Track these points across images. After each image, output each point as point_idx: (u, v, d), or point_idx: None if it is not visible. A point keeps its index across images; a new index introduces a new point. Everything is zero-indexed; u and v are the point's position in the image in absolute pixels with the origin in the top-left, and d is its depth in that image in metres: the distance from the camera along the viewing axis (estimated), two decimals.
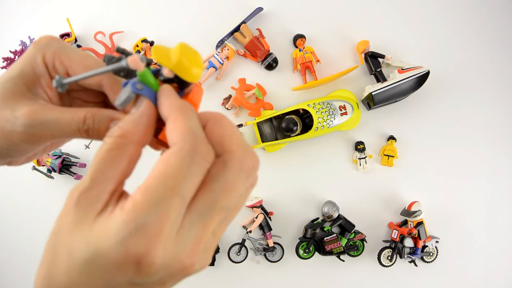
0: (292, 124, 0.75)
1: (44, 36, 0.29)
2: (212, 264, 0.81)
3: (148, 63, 0.25)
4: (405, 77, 0.75)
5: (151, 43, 0.82)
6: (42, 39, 0.28)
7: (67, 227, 0.21)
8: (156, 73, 0.25)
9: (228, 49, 0.80)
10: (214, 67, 0.81)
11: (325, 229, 0.77)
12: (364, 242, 0.80)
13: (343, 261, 0.80)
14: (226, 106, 0.82)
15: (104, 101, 0.32)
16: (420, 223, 0.78)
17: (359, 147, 0.80)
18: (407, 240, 0.78)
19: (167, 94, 0.24)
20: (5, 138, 0.27)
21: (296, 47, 0.82)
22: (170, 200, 0.20)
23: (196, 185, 0.21)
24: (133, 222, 0.19)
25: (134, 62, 0.23)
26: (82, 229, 0.21)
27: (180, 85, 0.25)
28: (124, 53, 0.26)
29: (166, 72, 0.24)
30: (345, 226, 0.79)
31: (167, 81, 0.25)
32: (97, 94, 0.30)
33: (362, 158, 0.81)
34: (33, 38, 0.81)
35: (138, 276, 0.20)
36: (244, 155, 0.22)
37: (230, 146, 0.22)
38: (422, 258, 0.80)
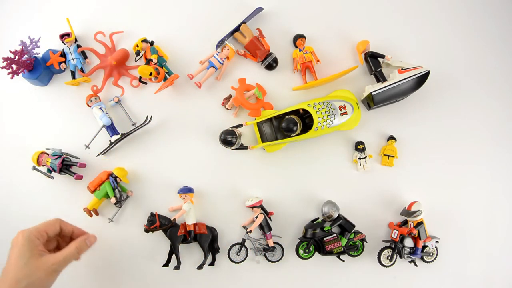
0: (292, 124, 0.75)
1: (22, 231, 0.64)
2: (212, 264, 0.81)
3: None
4: (405, 77, 0.75)
5: (151, 43, 0.82)
6: (24, 232, 0.63)
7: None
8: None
9: (228, 49, 0.80)
10: (214, 67, 0.81)
11: (325, 229, 0.77)
12: (364, 242, 0.80)
13: (343, 261, 0.80)
14: (226, 106, 0.82)
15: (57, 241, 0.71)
16: (420, 223, 0.78)
17: (359, 147, 0.80)
18: (407, 240, 0.78)
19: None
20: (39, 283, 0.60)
21: (296, 47, 0.82)
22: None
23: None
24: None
25: None
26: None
27: None
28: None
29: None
30: (345, 226, 0.79)
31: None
32: (55, 238, 0.71)
33: (362, 158, 0.81)
34: (33, 38, 0.81)
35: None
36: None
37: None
38: (422, 258, 0.80)
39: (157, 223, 0.77)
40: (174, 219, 0.78)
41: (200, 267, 0.80)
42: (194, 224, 0.80)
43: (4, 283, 0.58)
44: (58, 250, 0.66)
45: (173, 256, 0.79)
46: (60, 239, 0.70)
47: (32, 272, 0.58)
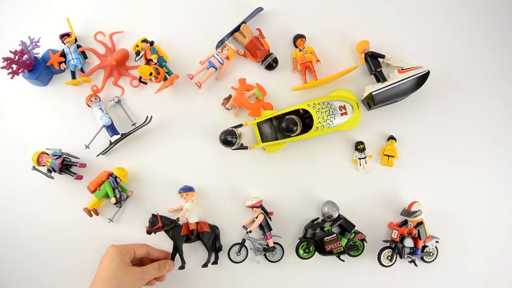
0: (292, 124, 0.75)
1: (114, 245, 0.73)
2: (215, 262, 0.81)
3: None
4: (405, 77, 0.75)
5: (151, 43, 0.82)
6: (115, 246, 0.73)
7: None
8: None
9: (228, 49, 0.80)
10: (214, 67, 0.81)
11: (325, 229, 0.77)
12: (364, 242, 0.80)
13: (343, 261, 0.80)
14: (226, 106, 0.82)
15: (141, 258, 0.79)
16: (420, 223, 0.78)
17: (359, 147, 0.80)
18: (407, 240, 0.78)
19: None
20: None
21: (296, 47, 0.82)
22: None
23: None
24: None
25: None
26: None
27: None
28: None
29: None
30: (345, 226, 0.79)
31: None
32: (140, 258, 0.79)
33: (362, 158, 0.81)
34: (33, 38, 0.81)
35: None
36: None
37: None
38: (422, 258, 0.80)
39: (159, 224, 0.76)
40: (178, 218, 0.78)
41: (205, 265, 0.79)
42: (197, 223, 0.80)
43: (96, 283, 0.67)
44: None
45: (177, 256, 0.79)
46: (145, 261, 0.79)
47: (122, 274, 0.68)
